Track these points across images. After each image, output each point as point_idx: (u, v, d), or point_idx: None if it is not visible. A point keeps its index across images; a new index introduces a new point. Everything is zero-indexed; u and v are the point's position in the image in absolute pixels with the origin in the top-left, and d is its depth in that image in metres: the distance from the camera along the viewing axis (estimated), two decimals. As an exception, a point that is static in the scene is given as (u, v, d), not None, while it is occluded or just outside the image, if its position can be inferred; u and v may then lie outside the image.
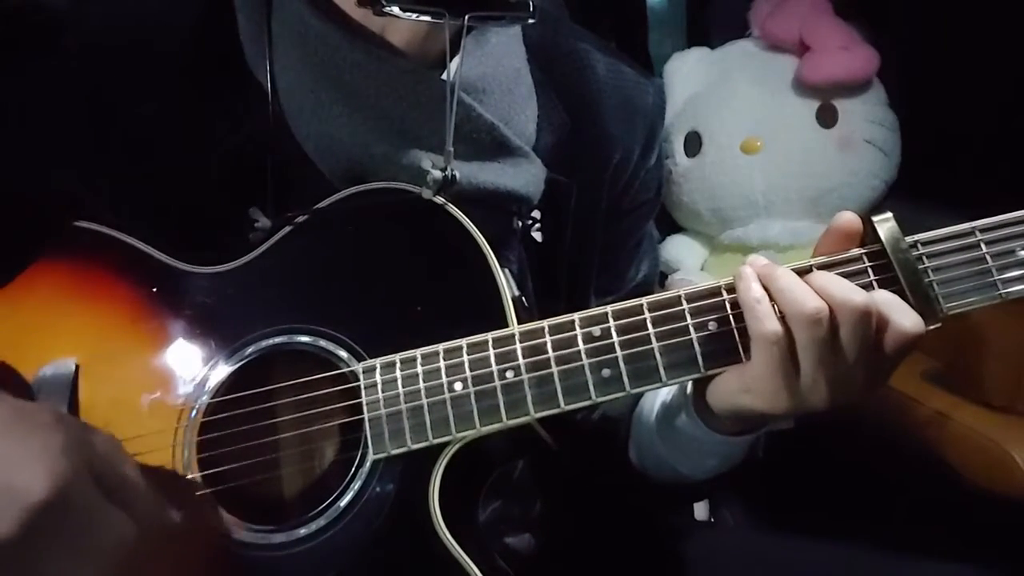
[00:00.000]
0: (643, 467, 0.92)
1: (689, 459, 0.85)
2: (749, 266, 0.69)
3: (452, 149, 0.76)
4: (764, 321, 0.66)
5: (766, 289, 0.68)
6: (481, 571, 0.72)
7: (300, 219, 0.78)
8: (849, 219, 0.70)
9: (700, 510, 1.60)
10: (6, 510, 0.55)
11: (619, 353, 0.70)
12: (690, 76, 1.74)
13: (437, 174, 0.75)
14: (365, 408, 0.73)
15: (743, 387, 0.70)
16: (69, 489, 0.57)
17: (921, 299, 0.67)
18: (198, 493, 0.73)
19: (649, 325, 0.70)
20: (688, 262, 1.73)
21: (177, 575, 0.70)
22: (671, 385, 0.72)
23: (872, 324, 0.65)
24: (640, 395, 0.91)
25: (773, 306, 0.67)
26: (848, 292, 0.65)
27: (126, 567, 0.60)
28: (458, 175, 0.76)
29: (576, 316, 0.72)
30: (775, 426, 0.80)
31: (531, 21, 0.78)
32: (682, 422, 0.80)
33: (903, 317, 0.66)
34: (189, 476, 0.74)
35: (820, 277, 0.67)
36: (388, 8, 0.73)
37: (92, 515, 0.59)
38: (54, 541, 0.57)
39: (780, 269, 0.68)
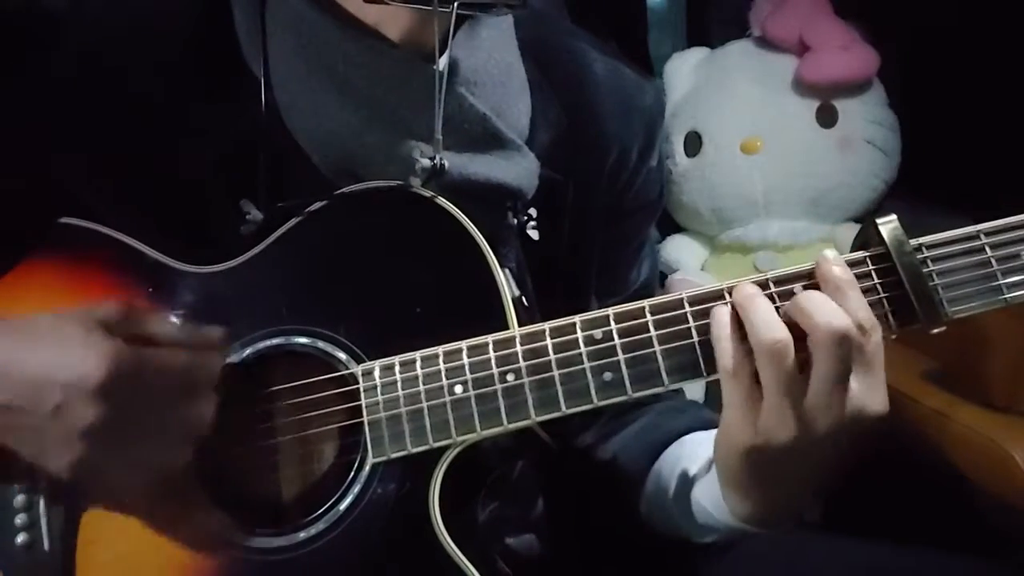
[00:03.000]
0: (650, 520, 0.90)
1: (703, 532, 0.83)
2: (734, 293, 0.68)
3: (441, 137, 0.76)
4: (722, 355, 0.66)
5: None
6: (481, 574, 0.71)
7: (297, 216, 0.77)
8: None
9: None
10: (75, 402, 0.62)
11: (621, 356, 0.69)
12: (690, 76, 1.74)
13: (426, 162, 0.75)
14: (364, 411, 0.72)
15: (722, 431, 0.70)
16: (118, 361, 0.64)
17: (925, 302, 0.67)
18: (197, 498, 0.73)
19: (651, 328, 0.70)
20: (688, 262, 1.73)
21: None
22: (673, 388, 0.72)
23: (851, 346, 0.64)
24: (660, 447, 0.89)
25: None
26: (829, 315, 0.64)
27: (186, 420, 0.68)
28: (447, 164, 0.76)
29: (577, 318, 0.71)
30: (800, 517, 0.78)
31: (522, 10, 0.78)
32: (699, 498, 0.80)
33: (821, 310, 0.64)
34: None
35: (805, 299, 0.66)
36: None
37: (145, 376, 0.65)
38: (128, 409, 0.64)
39: (757, 301, 0.67)
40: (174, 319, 0.76)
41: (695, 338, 0.69)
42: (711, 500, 0.78)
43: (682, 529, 0.86)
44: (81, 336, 0.64)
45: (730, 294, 0.69)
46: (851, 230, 1.63)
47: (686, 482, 0.83)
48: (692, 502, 0.81)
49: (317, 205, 0.77)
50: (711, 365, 0.69)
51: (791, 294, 0.68)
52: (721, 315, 0.68)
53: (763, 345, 0.64)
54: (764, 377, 0.65)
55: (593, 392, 0.70)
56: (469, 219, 0.75)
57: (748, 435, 0.67)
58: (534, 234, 0.88)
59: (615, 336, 0.70)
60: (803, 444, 0.66)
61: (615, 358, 0.70)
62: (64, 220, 0.79)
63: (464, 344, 0.72)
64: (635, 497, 0.91)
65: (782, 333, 0.64)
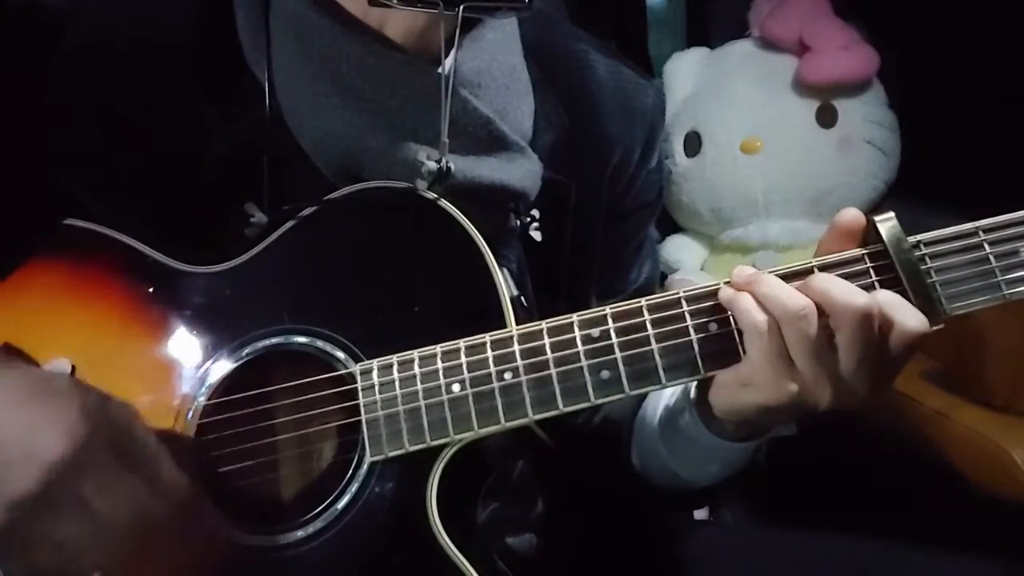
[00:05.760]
0: (645, 471, 0.91)
1: (691, 464, 0.84)
2: (733, 276, 0.69)
3: (447, 140, 0.76)
4: (750, 311, 0.67)
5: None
6: (478, 573, 0.71)
7: (296, 215, 0.77)
8: (852, 216, 0.70)
9: (700, 510, 1.60)
10: (23, 469, 0.59)
11: (618, 354, 0.70)
12: (690, 76, 1.74)
13: (432, 165, 0.75)
14: (363, 410, 0.72)
15: (741, 381, 0.70)
16: (85, 451, 0.61)
17: (923, 300, 0.67)
18: (195, 496, 0.72)
19: (649, 326, 0.70)
20: (688, 262, 1.73)
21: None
22: (671, 387, 0.72)
23: (875, 325, 0.65)
24: (643, 397, 0.91)
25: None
26: (849, 294, 0.65)
27: (137, 530, 0.64)
28: (453, 167, 0.76)
29: (575, 317, 0.71)
30: (777, 432, 0.80)
31: (527, 13, 0.78)
32: (685, 425, 0.80)
33: (907, 317, 0.65)
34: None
35: (820, 279, 0.67)
36: None
37: (106, 477, 0.63)
38: (68, 501, 0.61)
39: (763, 275, 0.68)
40: (176, 328, 0.76)
41: (692, 336, 0.69)
42: (693, 425, 0.79)
43: (674, 470, 0.86)
44: (66, 411, 0.62)
45: None
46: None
47: (670, 417, 0.84)
48: (677, 433, 0.82)
49: (316, 205, 0.77)
50: (709, 363, 0.69)
51: None
52: (726, 284, 0.68)
53: (791, 312, 0.65)
54: (793, 344, 0.66)
55: (590, 390, 0.70)
56: (469, 220, 0.75)
57: (777, 395, 0.68)
58: (536, 235, 0.88)
59: (612, 335, 0.70)
60: (830, 405, 0.68)
61: (612, 356, 0.70)
62: (69, 221, 0.79)
63: (462, 343, 0.72)
64: (627, 449, 0.92)
65: (806, 300, 0.66)
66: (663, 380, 0.70)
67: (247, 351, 0.75)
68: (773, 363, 0.67)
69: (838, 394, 0.68)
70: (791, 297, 0.66)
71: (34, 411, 0.62)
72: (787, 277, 0.68)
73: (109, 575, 0.65)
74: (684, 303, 0.70)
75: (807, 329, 0.65)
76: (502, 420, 0.70)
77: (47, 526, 0.62)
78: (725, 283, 0.70)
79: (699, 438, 0.79)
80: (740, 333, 0.69)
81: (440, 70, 0.78)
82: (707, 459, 0.82)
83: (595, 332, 0.70)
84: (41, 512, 0.61)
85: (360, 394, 0.73)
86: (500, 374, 0.71)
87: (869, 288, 0.67)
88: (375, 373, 0.73)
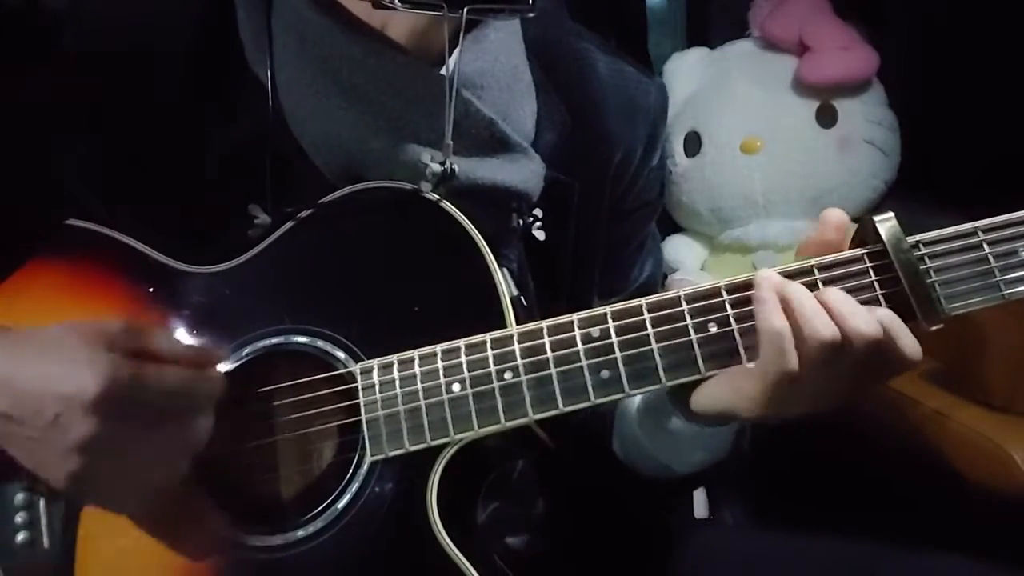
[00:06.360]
0: (629, 460, 0.91)
1: (672, 451, 0.85)
2: (770, 281, 0.68)
3: (451, 142, 0.76)
4: (772, 317, 0.66)
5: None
6: (479, 573, 0.71)
7: (298, 216, 0.77)
8: (837, 216, 0.70)
9: (700, 509, 1.60)
10: (71, 415, 0.62)
11: (618, 354, 0.70)
12: (690, 76, 1.74)
13: (436, 167, 0.75)
14: (363, 409, 0.72)
15: (732, 386, 0.70)
16: (116, 377, 0.63)
17: (923, 300, 0.67)
18: (195, 496, 0.73)
19: (648, 326, 0.70)
20: (688, 262, 1.72)
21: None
22: (670, 386, 0.72)
23: (879, 351, 0.65)
24: None
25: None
26: (860, 322, 0.65)
27: (170, 466, 0.67)
28: (457, 169, 0.76)
29: (575, 316, 0.71)
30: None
31: (531, 15, 0.78)
32: (664, 416, 0.80)
33: (907, 344, 0.66)
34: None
35: (832, 297, 0.66)
36: (387, 1, 0.73)
37: (143, 392, 0.64)
38: (125, 423, 0.64)
39: (793, 285, 0.67)
40: (176, 328, 0.76)
41: (692, 336, 0.69)
42: (671, 415, 0.79)
43: (657, 458, 0.86)
44: (82, 351, 0.63)
45: (728, 292, 0.69)
46: (851, 231, 1.62)
47: (648, 408, 0.84)
48: (656, 422, 0.82)
49: (317, 205, 0.77)
50: (708, 362, 0.69)
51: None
52: (769, 296, 0.67)
53: (823, 339, 0.64)
54: (813, 364, 0.65)
55: (590, 390, 0.70)
56: (471, 221, 0.75)
57: (773, 406, 0.68)
58: (540, 235, 0.88)
59: (612, 334, 0.70)
60: (806, 413, 0.69)
61: (612, 356, 0.70)
62: (73, 222, 0.79)
63: (462, 343, 0.72)
64: (608, 439, 0.92)
65: (835, 329, 0.65)
66: (663, 380, 0.70)
67: (247, 351, 0.75)
68: (781, 378, 0.67)
69: (815, 405, 0.68)
70: (825, 325, 0.65)
71: (55, 363, 0.63)
72: (786, 276, 0.68)
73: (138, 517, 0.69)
74: (684, 303, 0.70)
75: (830, 357, 0.65)
76: (502, 420, 0.71)
77: (119, 452, 0.64)
78: (724, 287, 0.69)
79: (677, 427, 0.79)
80: (740, 333, 0.69)
81: (443, 71, 0.78)
82: (687, 446, 0.82)
83: (595, 332, 0.70)
84: (107, 448, 0.63)
85: (360, 393, 0.73)
86: (500, 374, 0.71)
87: (868, 288, 0.67)
88: (375, 373, 0.73)
